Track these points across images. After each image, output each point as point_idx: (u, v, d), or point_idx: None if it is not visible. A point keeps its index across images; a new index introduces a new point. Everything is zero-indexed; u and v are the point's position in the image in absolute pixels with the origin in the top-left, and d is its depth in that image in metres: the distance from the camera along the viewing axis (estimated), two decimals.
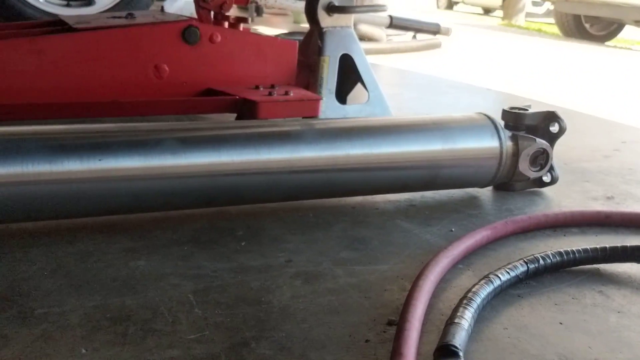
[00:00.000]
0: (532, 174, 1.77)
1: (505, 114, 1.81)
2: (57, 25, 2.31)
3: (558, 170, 1.86)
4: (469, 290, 1.16)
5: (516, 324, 1.14)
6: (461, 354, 0.97)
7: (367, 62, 2.43)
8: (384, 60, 4.44)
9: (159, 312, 1.11)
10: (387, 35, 4.95)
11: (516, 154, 1.73)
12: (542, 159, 1.77)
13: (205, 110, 2.17)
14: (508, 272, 1.25)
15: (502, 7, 12.92)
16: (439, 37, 4.82)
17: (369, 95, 2.42)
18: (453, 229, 1.55)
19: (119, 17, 2.24)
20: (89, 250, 1.34)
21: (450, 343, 0.99)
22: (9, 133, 1.34)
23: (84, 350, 0.99)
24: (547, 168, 1.79)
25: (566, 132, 1.85)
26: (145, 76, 2.08)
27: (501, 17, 12.60)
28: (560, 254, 1.33)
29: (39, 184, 1.31)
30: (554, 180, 1.85)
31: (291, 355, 1.01)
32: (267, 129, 1.54)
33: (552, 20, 11.80)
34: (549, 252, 1.33)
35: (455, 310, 1.10)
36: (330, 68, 2.33)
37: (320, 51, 2.33)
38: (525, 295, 1.25)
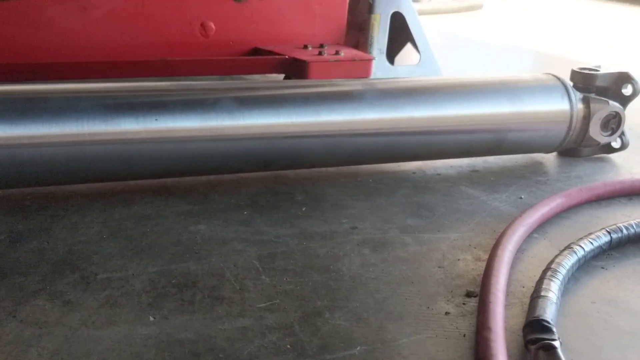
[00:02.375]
0: (603, 138, 1.67)
1: (575, 74, 1.70)
2: None
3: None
4: (552, 261, 1.09)
5: (604, 298, 1.07)
6: (554, 329, 0.90)
7: (419, 20, 2.33)
8: (424, 21, 4.28)
9: (225, 279, 1.06)
10: None
11: (587, 118, 1.63)
12: (614, 123, 1.66)
13: (253, 71, 2.09)
14: (591, 243, 1.17)
15: None
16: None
17: (420, 55, 2.33)
18: (522, 196, 1.47)
19: None
20: (146, 213, 1.29)
21: (542, 318, 0.92)
22: (64, 90, 1.28)
23: (151, 318, 0.95)
24: (618, 132, 1.69)
25: None
26: (191, 35, 2.01)
27: None
28: None
29: (94, 145, 1.26)
30: (624, 146, 1.74)
31: (369, 327, 0.95)
32: (327, 89, 1.47)
33: None
34: (632, 222, 1.24)
35: (540, 282, 1.03)
36: (381, 26, 2.23)
37: (370, 8, 2.23)
38: (609, 267, 1.17)
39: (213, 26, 2.03)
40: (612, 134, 1.68)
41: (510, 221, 1.25)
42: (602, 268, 1.16)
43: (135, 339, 0.90)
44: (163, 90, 1.35)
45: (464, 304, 1.03)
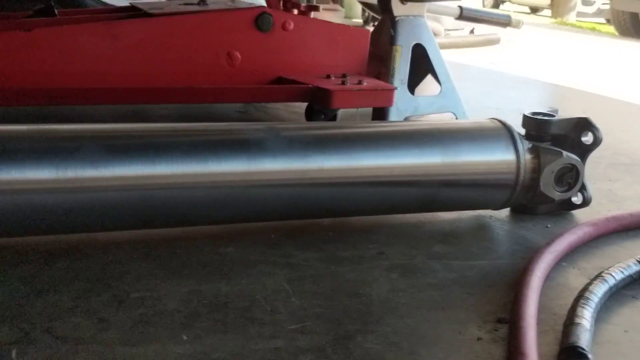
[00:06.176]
0: (557, 195, 1.45)
1: (527, 120, 1.48)
2: (131, 11, 2.29)
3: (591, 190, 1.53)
4: (585, 289, 1.09)
5: (636, 327, 1.06)
6: (590, 356, 0.89)
7: (439, 52, 2.36)
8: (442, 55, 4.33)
9: (255, 300, 1.07)
10: (445, 30, 4.84)
11: (537, 171, 1.42)
12: (570, 177, 1.45)
13: (277, 99, 2.13)
14: (622, 271, 1.16)
15: (551, 6, 12.58)
16: (499, 33, 4.69)
17: (441, 87, 2.35)
18: (549, 225, 1.47)
19: (192, 4, 2.21)
20: (175, 235, 1.30)
21: (577, 344, 0.91)
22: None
23: (185, 337, 0.95)
24: (577, 187, 1.47)
25: None
26: (217, 63, 2.04)
27: (550, 16, 12.28)
28: None
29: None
30: (585, 202, 1.52)
31: (401, 351, 0.95)
32: (219, 137, 1.30)
33: (602, 20, 11.48)
34: None
35: (573, 310, 1.02)
36: (403, 58, 2.25)
37: (392, 40, 2.26)
38: None
39: (239, 55, 2.06)
40: (569, 190, 1.46)
41: (538, 249, 1.26)
42: (633, 297, 1.16)
43: (169, 357, 0.90)
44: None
45: (495, 330, 1.02)
